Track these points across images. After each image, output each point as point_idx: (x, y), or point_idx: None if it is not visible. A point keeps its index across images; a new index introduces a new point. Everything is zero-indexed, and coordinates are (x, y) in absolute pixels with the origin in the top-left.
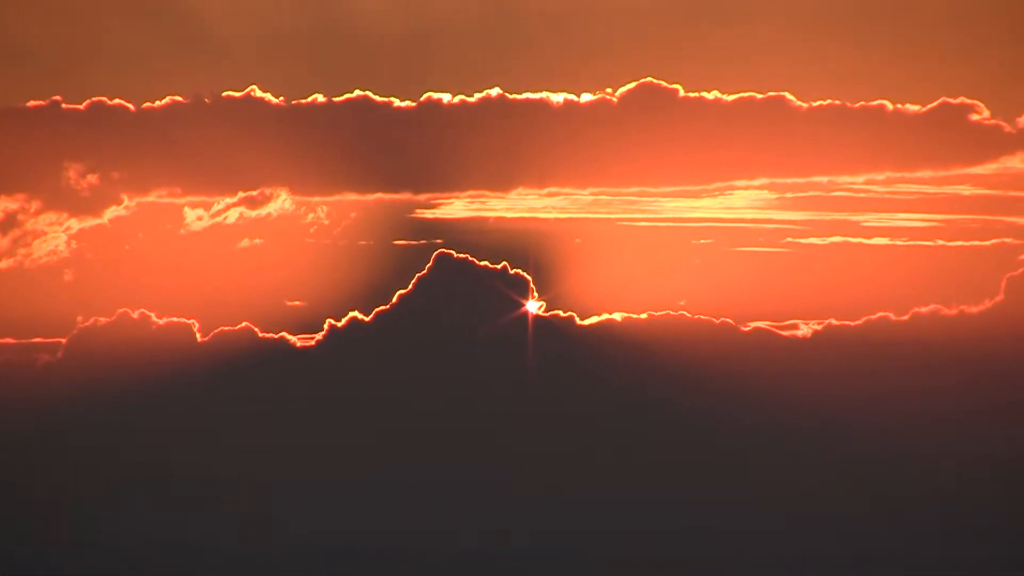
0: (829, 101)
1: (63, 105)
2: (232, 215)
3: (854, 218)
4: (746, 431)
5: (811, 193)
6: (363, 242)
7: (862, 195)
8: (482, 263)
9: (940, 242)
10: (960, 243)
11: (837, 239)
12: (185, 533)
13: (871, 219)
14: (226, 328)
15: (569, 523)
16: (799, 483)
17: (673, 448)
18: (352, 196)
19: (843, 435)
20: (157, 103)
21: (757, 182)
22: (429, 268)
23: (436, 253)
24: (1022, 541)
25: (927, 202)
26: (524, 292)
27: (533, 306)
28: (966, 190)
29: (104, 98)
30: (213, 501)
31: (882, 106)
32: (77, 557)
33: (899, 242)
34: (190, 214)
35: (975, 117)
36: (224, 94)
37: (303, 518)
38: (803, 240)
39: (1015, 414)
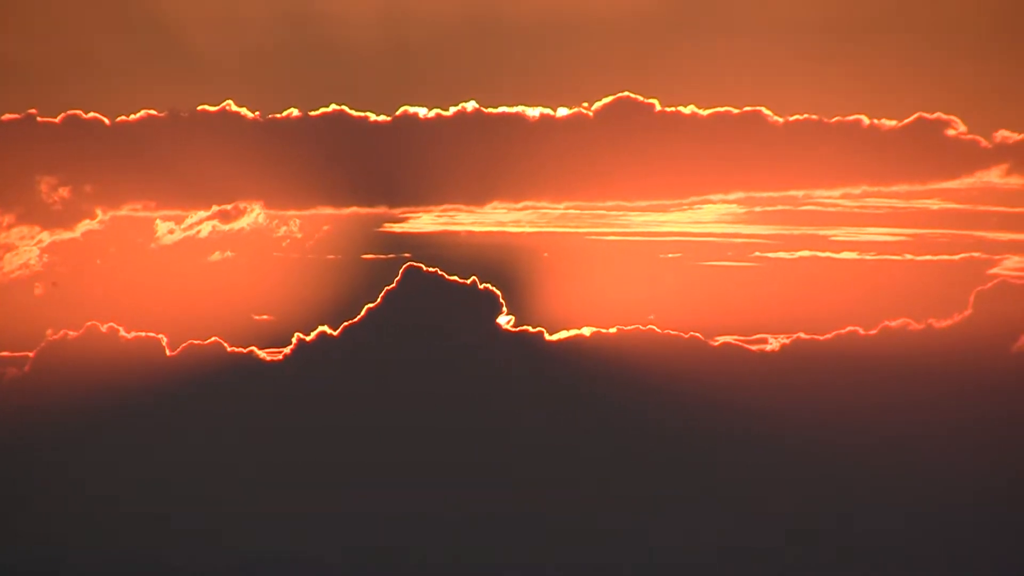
0: (805, 116)
1: (38, 118)
2: (204, 229)
3: (823, 232)
4: (715, 446)
5: (779, 207)
6: (332, 256)
7: (831, 209)
8: (451, 277)
9: (909, 256)
10: (928, 257)
11: (806, 253)
12: (152, 548)
13: (840, 233)
14: (195, 342)
15: (540, 538)
16: (769, 497)
17: (642, 463)
18: (327, 210)
19: (812, 449)
20: (132, 117)
21: (733, 196)
22: (398, 282)
23: (405, 267)
24: (989, 554)
25: (896, 216)
26: (493, 307)
27: (502, 321)
28: (935, 204)
29: (79, 112)
30: (181, 516)
31: (858, 121)
32: (44, 570)
33: (868, 256)
34: (162, 227)
35: (951, 132)
36: (199, 108)
37: (270, 531)
38: (772, 254)
39: (983, 427)
